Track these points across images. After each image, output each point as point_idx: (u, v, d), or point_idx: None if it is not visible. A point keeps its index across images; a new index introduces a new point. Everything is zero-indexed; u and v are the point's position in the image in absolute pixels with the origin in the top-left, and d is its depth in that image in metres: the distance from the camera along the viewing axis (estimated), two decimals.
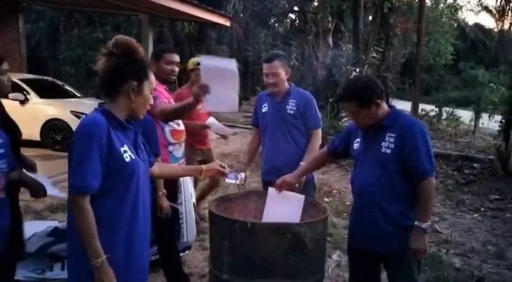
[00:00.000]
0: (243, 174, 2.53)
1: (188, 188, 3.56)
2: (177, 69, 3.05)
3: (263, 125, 3.39)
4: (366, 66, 9.36)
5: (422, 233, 2.22)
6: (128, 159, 1.78)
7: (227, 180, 2.51)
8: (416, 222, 2.21)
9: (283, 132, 3.25)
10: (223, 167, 2.33)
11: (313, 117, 3.31)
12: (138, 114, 1.90)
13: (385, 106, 2.34)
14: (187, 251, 3.76)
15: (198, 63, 3.77)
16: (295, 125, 3.25)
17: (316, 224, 2.32)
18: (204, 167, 2.32)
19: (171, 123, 3.04)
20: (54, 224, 3.67)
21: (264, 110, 3.37)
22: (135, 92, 1.82)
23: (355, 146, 2.44)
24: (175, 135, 3.08)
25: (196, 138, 4.23)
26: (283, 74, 3.25)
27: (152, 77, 1.89)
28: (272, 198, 2.66)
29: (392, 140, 2.25)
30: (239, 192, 2.87)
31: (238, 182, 2.54)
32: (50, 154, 7.69)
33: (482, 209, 5.82)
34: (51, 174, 6.39)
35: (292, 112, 3.23)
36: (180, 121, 3.17)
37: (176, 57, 3.09)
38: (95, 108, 1.84)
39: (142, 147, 1.96)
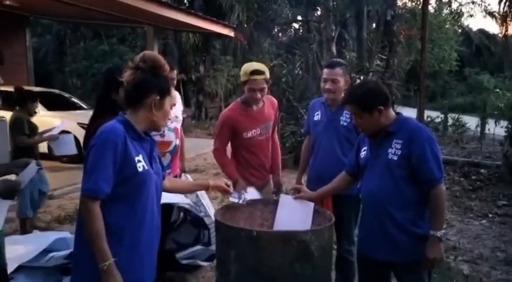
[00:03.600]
0: (246, 195, 2.55)
1: (206, 199, 3.64)
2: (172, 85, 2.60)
3: (314, 133, 3.24)
4: (370, 73, 9.37)
5: (438, 242, 2.20)
6: (140, 169, 1.83)
7: (230, 199, 2.56)
8: (431, 232, 2.20)
9: (333, 143, 3.10)
10: (229, 186, 2.43)
11: None
12: (159, 127, 2.00)
13: (391, 113, 2.34)
14: (212, 262, 3.77)
15: (252, 72, 3.00)
16: (348, 137, 3.06)
17: (323, 232, 2.32)
18: (211, 182, 2.42)
19: (155, 133, 2.95)
20: (63, 235, 3.70)
21: (316, 118, 3.22)
22: (157, 106, 1.89)
23: (362, 154, 2.45)
24: (160, 146, 3.07)
25: (251, 170, 3.29)
26: (342, 82, 3.09)
27: (174, 93, 2.00)
28: (283, 205, 2.66)
29: (399, 146, 2.25)
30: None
31: (241, 201, 2.57)
32: (57, 166, 7.74)
33: (490, 215, 5.78)
34: (58, 185, 6.46)
35: (345, 124, 3.07)
36: (166, 132, 3.10)
37: (171, 74, 2.69)
38: (116, 118, 1.91)
39: (157, 160, 2.01)
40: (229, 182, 2.42)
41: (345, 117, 3.09)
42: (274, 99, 3.41)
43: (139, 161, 1.83)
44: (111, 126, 1.83)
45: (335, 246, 3.08)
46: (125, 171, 1.80)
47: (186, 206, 3.27)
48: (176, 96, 3.00)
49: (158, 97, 1.89)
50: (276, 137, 3.50)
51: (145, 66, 1.88)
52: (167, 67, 1.94)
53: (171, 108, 1.97)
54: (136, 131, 1.88)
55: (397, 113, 2.39)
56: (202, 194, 3.60)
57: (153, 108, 1.89)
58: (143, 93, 1.88)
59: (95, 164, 1.77)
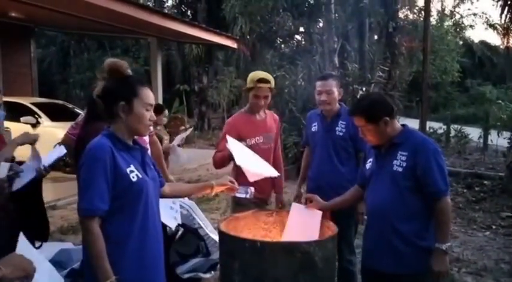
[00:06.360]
0: (252, 189, 2.54)
1: (198, 211, 3.65)
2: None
3: (312, 144, 3.33)
4: (372, 85, 9.40)
5: (443, 255, 2.19)
6: (134, 179, 1.82)
7: (237, 195, 2.52)
8: (436, 244, 2.19)
9: (330, 153, 3.17)
10: (233, 183, 2.35)
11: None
12: (138, 132, 1.92)
13: (397, 124, 2.34)
14: (212, 272, 3.75)
15: (259, 80, 3.08)
16: (344, 146, 3.15)
17: (326, 243, 2.32)
18: (214, 183, 2.33)
19: None
20: (66, 246, 3.70)
21: (313, 129, 3.30)
22: (126, 111, 1.86)
23: (368, 165, 2.45)
24: None
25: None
26: (336, 93, 3.16)
27: (144, 93, 1.88)
28: (294, 213, 2.64)
29: (404, 158, 2.25)
30: (248, 211, 2.86)
31: (248, 196, 2.54)
32: (61, 176, 7.74)
33: (493, 227, 5.76)
34: (61, 196, 6.47)
35: (341, 134, 3.15)
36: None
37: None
38: (101, 132, 1.90)
39: (151, 166, 2.00)
40: (233, 179, 2.36)
41: (340, 128, 3.16)
42: (276, 115, 3.43)
43: (131, 171, 1.82)
44: (96, 142, 1.82)
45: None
46: (119, 184, 1.79)
47: (174, 226, 3.25)
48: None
49: (123, 102, 1.85)
50: (279, 153, 3.44)
51: (107, 75, 1.88)
52: (125, 68, 1.92)
53: (147, 110, 1.88)
54: (122, 142, 1.86)
55: (403, 125, 2.40)
56: (192, 207, 3.62)
57: (122, 115, 1.86)
58: (111, 103, 1.86)
59: (86, 183, 1.76)
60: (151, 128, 3.31)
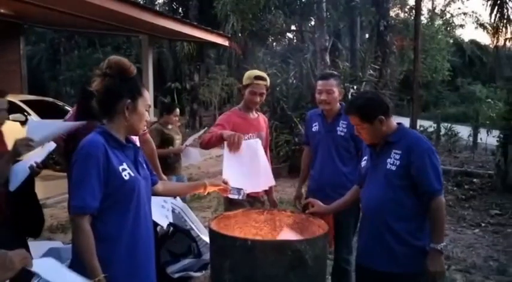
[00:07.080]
0: (246, 190, 2.54)
1: (190, 213, 3.64)
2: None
3: (313, 144, 3.30)
4: (364, 83, 9.44)
5: (439, 255, 2.17)
6: (126, 177, 1.81)
7: (230, 196, 2.53)
8: (431, 244, 2.17)
9: (331, 153, 3.16)
10: (226, 183, 2.37)
11: None
12: (136, 131, 1.95)
13: (392, 123, 2.32)
14: (203, 271, 3.75)
15: (256, 77, 3.16)
16: (346, 146, 3.13)
17: (317, 241, 2.31)
18: (207, 182, 2.35)
19: None
20: (55, 244, 3.67)
21: (314, 129, 3.28)
22: (130, 109, 1.86)
23: (363, 164, 2.45)
24: None
25: None
26: (337, 92, 3.14)
27: (146, 94, 1.93)
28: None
29: (398, 156, 2.23)
30: (238, 209, 2.86)
31: (241, 197, 2.55)
32: (50, 174, 7.68)
33: (483, 225, 5.81)
34: (51, 194, 6.41)
35: (342, 134, 3.13)
36: None
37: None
38: (94, 129, 1.88)
39: (144, 165, 2.00)
40: (226, 180, 2.38)
41: (341, 128, 3.14)
42: (265, 118, 3.52)
43: (124, 170, 1.82)
44: (90, 139, 1.80)
45: (330, 256, 3.08)
46: (111, 182, 1.78)
47: (166, 224, 3.25)
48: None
49: (129, 100, 1.85)
50: (268, 154, 3.43)
51: (112, 72, 1.86)
52: (133, 68, 1.91)
53: (146, 110, 1.93)
54: (116, 140, 1.86)
55: (398, 123, 2.38)
56: (184, 209, 3.61)
57: (126, 113, 1.86)
58: (114, 100, 1.85)
59: (79, 180, 1.75)
60: (145, 127, 3.32)
